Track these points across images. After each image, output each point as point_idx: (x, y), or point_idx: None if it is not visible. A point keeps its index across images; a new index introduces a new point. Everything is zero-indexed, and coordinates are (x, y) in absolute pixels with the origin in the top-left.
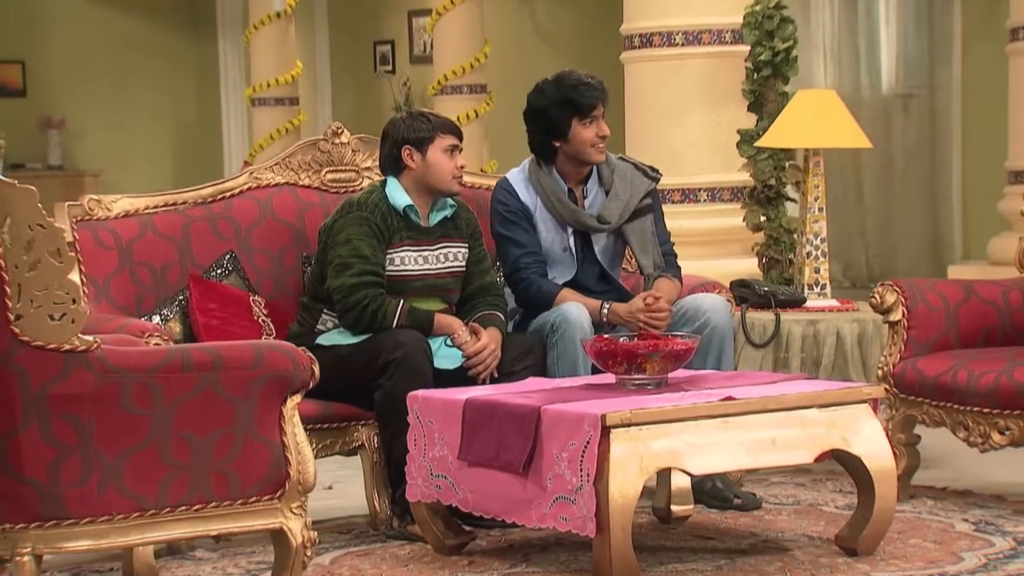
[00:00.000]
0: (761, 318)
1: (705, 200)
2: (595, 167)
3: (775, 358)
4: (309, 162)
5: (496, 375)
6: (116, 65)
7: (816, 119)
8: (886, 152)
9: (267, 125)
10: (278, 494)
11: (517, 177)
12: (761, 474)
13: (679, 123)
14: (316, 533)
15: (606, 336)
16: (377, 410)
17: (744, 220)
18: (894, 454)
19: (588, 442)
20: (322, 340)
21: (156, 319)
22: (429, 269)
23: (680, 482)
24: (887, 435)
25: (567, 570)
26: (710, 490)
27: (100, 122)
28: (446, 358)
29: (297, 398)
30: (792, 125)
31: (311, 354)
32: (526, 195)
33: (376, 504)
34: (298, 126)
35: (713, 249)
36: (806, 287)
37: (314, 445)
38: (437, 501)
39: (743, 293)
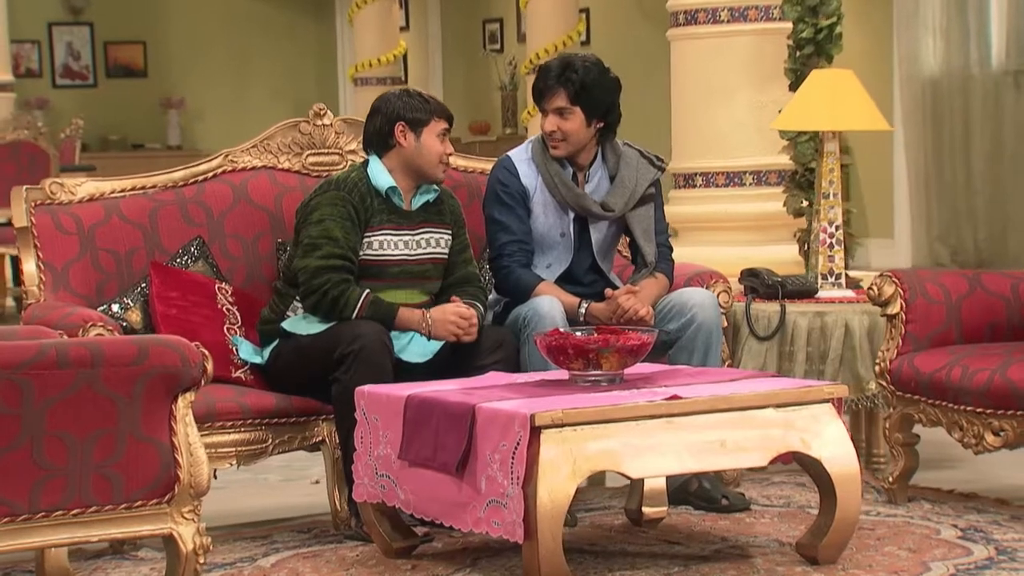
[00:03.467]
0: (767, 309)
1: (751, 184)
2: (600, 151)
3: (780, 351)
4: (289, 144)
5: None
6: (235, 45)
7: (832, 100)
8: (996, 131)
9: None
10: (167, 498)
11: (520, 156)
12: (764, 473)
13: (724, 103)
14: (210, 539)
15: (561, 330)
16: (334, 404)
17: (785, 205)
18: (891, 455)
19: (518, 443)
20: (286, 324)
21: (115, 307)
22: (409, 255)
23: (653, 483)
24: (885, 435)
25: None
26: (696, 491)
27: (219, 102)
28: (416, 352)
29: (190, 396)
30: (807, 107)
31: (205, 350)
32: (528, 175)
33: (337, 502)
34: None
35: (759, 235)
36: (819, 277)
37: (271, 440)
38: (382, 502)
39: (752, 283)
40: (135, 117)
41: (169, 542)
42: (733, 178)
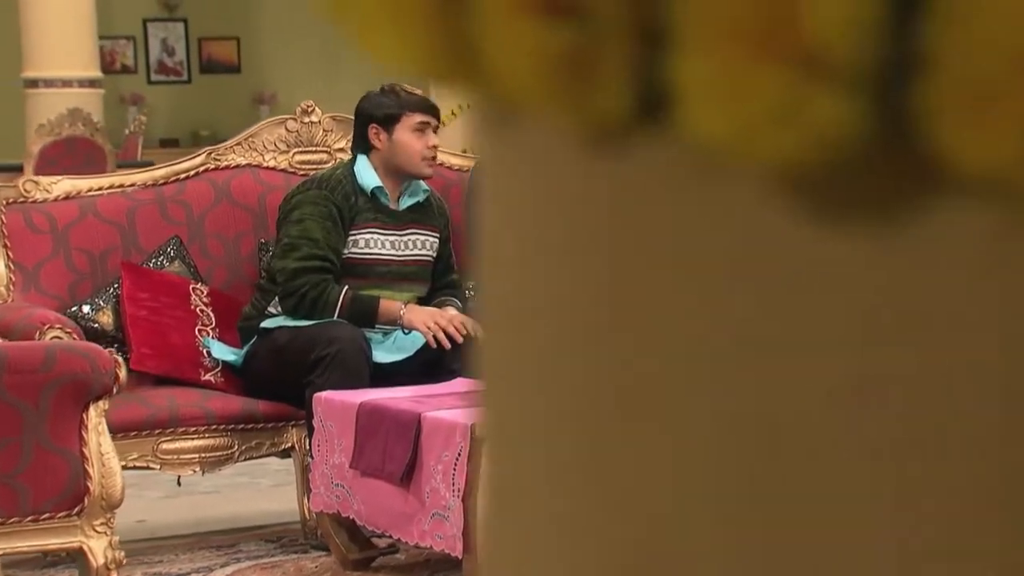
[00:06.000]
0: None
1: None
2: None
3: None
4: (275, 142)
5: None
6: (328, 39)
7: None
8: None
9: (448, 102)
10: (76, 510)
11: None
12: None
13: None
14: (123, 553)
15: None
16: (307, 408)
17: None
18: None
19: (460, 454)
20: (267, 323)
21: (87, 308)
22: (395, 255)
23: None
24: None
25: None
26: None
27: (311, 96)
28: (389, 350)
29: (102, 405)
30: None
31: (119, 356)
32: None
33: (306, 510)
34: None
35: None
36: None
37: (237, 447)
38: (338, 512)
39: None
40: (228, 113)
41: (79, 556)
42: None
